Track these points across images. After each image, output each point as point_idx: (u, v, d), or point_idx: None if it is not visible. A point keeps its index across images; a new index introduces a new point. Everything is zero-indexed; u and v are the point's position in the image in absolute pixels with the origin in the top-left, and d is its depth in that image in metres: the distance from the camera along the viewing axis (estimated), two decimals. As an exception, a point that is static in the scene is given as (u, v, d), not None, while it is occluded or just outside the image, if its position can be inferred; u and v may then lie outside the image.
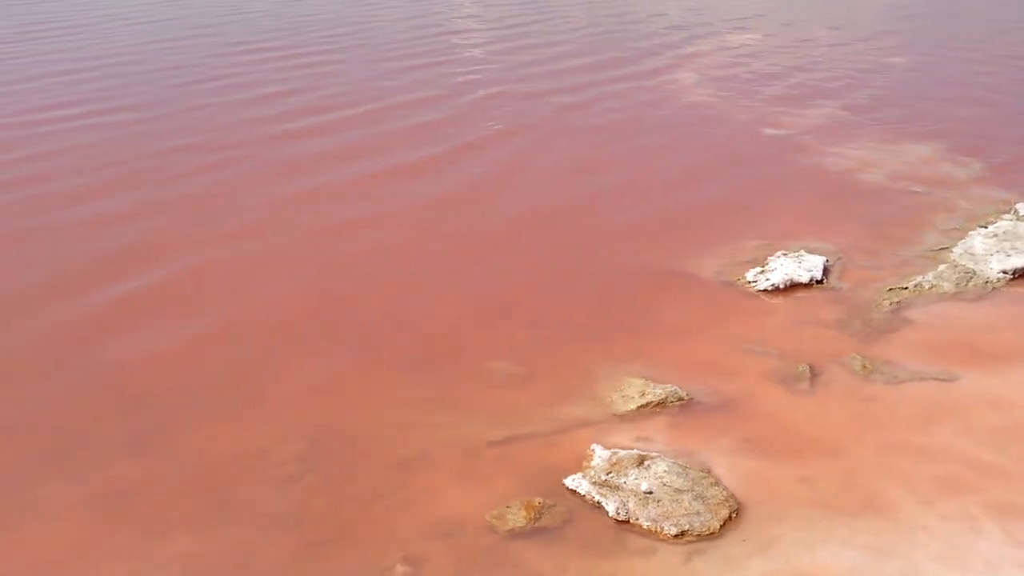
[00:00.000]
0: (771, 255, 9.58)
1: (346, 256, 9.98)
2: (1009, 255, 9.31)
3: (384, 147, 13.96)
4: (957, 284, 8.94)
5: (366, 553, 5.55)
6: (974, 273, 9.10)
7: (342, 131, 14.90)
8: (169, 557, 5.59)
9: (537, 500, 5.94)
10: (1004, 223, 10.28)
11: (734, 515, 5.81)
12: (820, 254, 9.56)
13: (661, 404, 7.00)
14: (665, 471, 6.11)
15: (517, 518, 5.79)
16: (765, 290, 8.92)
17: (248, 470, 6.38)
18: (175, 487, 6.24)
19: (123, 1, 30.73)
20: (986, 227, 10.28)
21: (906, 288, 8.87)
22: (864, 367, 7.51)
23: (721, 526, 5.72)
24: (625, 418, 6.89)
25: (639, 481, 6.03)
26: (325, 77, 18.91)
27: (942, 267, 9.26)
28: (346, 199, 11.74)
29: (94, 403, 7.21)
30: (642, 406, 6.98)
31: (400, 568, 5.41)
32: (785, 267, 9.18)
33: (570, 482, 6.09)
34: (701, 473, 6.17)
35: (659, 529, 5.69)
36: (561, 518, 5.84)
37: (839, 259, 9.66)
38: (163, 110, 16.41)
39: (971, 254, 9.53)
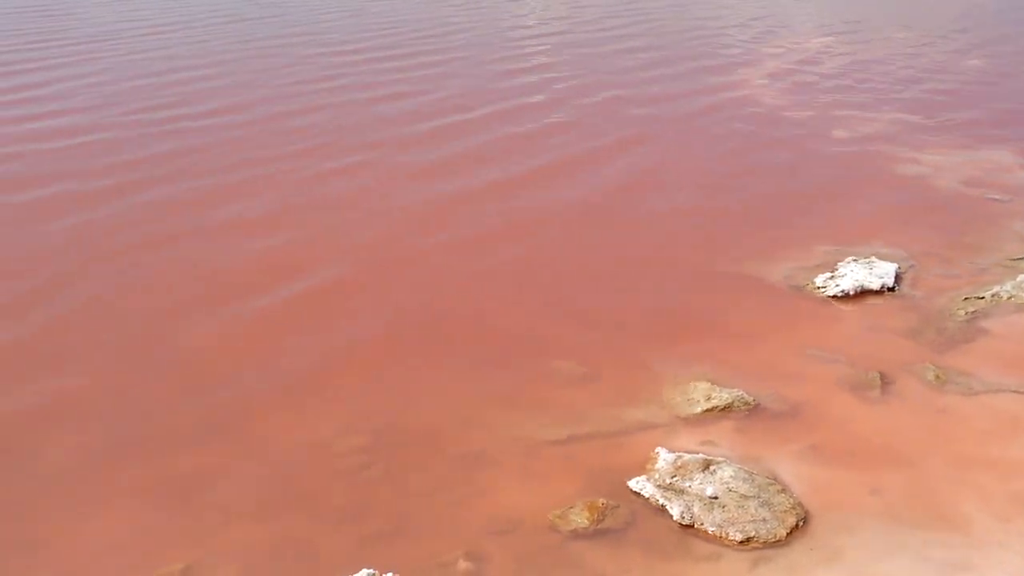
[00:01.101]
0: (841, 261, 9.38)
1: (421, 254, 10.02)
2: (1093, 266, 9.00)
3: (495, 153, 13.83)
4: (1037, 294, 8.65)
5: (428, 547, 5.56)
6: (1055, 283, 8.80)
7: (455, 137, 14.62)
8: (233, 544, 5.67)
9: (600, 501, 5.89)
10: (1087, 233, 9.94)
11: (801, 523, 5.69)
12: (892, 261, 9.34)
13: (727, 408, 6.89)
14: (731, 476, 6.01)
15: (580, 518, 5.75)
16: (835, 296, 8.74)
17: (312, 461, 6.45)
18: (241, 475, 6.33)
19: (209, 1, 31.04)
20: (1068, 236, 9.95)
21: (983, 298, 8.61)
22: (937, 377, 7.31)
23: (788, 534, 5.60)
24: (690, 421, 6.81)
25: (704, 486, 5.94)
26: (434, 80, 18.70)
27: (1021, 276, 8.96)
28: (438, 199, 11.79)
29: (167, 391, 7.35)
30: (707, 410, 6.89)
31: (463, 564, 5.41)
32: (855, 273, 8.98)
33: (634, 484, 6.03)
34: (767, 480, 6.06)
35: (724, 535, 5.60)
36: (624, 520, 5.79)
37: (912, 266, 9.42)
38: (284, 113, 16.12)
39: (1052, 264, 9.22)
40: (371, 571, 5.24)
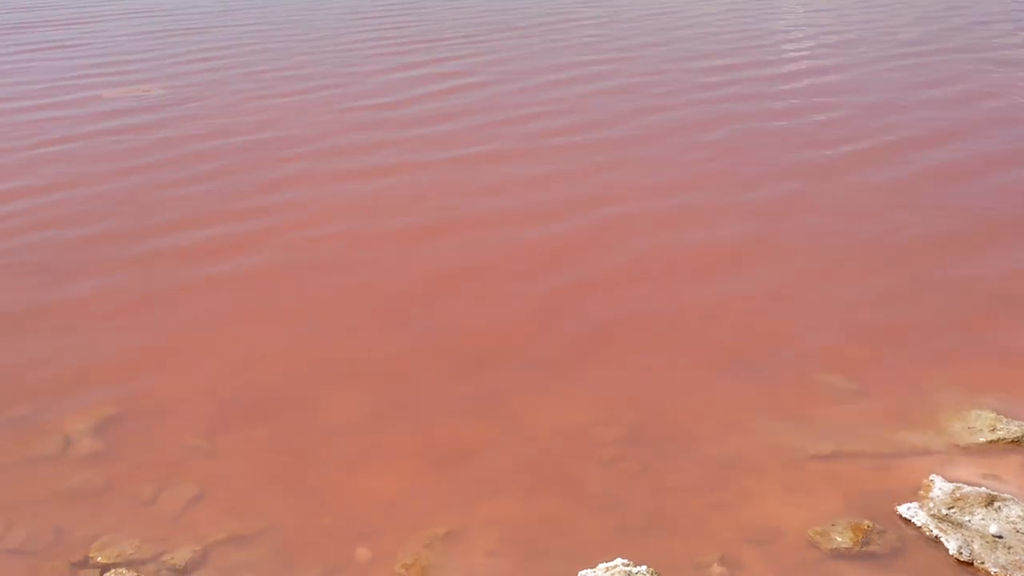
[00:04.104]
0: None
1: (690, 254, 9.93)
2: None
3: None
4: None
5: (683, 546, 5.53)
6: None
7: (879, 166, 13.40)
8: (493, 517, 5.90)
9: (865, 523, 5.60)
10: None
11: (1104, 581, 5.12)
12: None
13: (1016, 442, 6.32)
14: (1020, 516, 5.51)
15: (843, 538, 5.50)
16: None
17: (569, 446, 6.59)
18: (501, 451, 6.58)
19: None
20: None
21: None
22: None
23: (1087, 591, 5.07)
24: (970, 451, 6.31)
25: (987, 522, 5.49)
26: (839, 93, 16.85)
27: None
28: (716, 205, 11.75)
29: (434, 364, 7.78)
30: (992, 441, 6.35)
31: (717, 568, 5.33)
32: None
33: (904, 510, 5.68)
34: (1063, 526, 5.50)
35: (1009, 579, 5.15)
36: (891, 546, 5.47)
37: None
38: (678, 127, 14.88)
39: None
40: (626, 561, 5.29)
